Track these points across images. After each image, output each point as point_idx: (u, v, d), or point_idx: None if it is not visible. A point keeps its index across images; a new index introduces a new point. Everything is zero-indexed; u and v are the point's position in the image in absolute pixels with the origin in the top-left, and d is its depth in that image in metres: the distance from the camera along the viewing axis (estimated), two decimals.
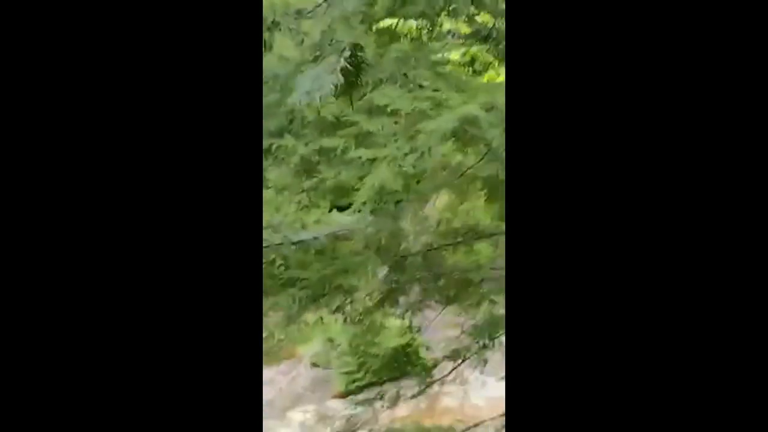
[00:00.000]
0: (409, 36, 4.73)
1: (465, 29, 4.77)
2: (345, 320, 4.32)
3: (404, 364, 4.31)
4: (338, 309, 3.86)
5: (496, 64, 4.69)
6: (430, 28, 4.72)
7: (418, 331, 4.31)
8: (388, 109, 3.11)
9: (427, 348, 4.36)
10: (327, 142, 3.22)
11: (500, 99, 2.99)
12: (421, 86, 3.44)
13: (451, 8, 4.58)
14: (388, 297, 4.24)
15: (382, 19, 5.08)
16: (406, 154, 3.03)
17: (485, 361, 3.95)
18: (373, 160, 3.08)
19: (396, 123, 3.21)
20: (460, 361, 4.13)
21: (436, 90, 3.31)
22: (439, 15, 4.62)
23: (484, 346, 3.91)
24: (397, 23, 4.89)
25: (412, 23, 4.76)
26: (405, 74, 3.62)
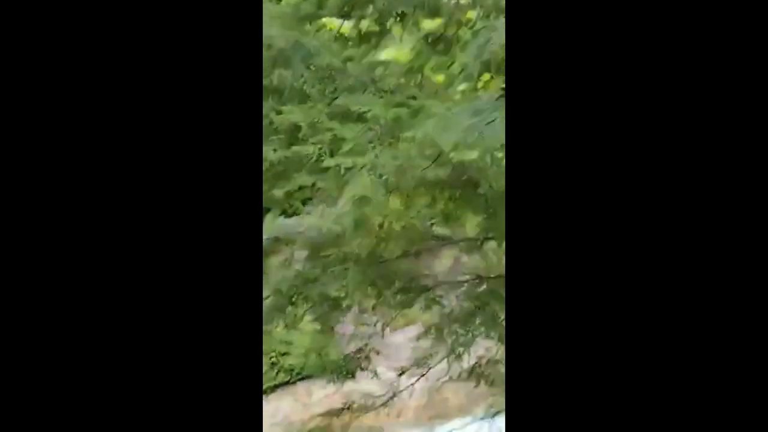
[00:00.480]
0: (357, 38, 4.69)
1: (413, 34, 4.78)
2: (286, 326, 4.25)
3: (352, 369, 4.29)
4: (299, 319, 3.79)
5: (447, 68, 4.70)
6: (379, 32, 4.70)
7: (370, 337, 4.28)
8: (368, 116, 3.06)
9: (378, 353, 4.34)
10: (301, 149, 3.15)
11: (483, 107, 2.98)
12: (391, 92, 3.42)
13: (399, 11, 4.57)
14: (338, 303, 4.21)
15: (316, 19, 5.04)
16: (385, 163, 2.99)
17: (461, 368, 3.95)
18: (349, 169, 3.03)
19: (371, 130, 3.17)
20: (426, 369, 4.13)
21: (411, 97, 3.29)
22: (388, 19, 4.61)
23: (456, 353, 3.91)
24: (341, 25, 4.85)
25: (356, 25, 4.73)
26: (374, 80, 3.59)
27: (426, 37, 4.61)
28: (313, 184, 3.14)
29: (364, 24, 4.65)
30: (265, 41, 3.64)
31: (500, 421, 4.92)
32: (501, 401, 4.69)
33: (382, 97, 3.29)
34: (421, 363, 4.18)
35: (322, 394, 7.91)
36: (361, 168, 2.98)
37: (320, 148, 3.11)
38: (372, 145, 3.09)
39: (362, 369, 4.38)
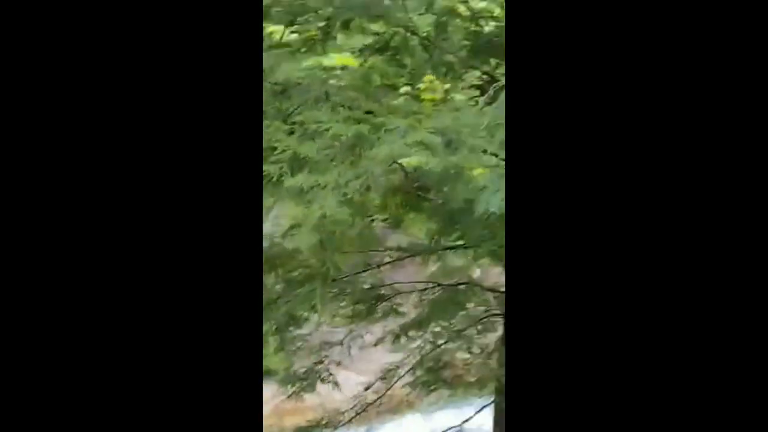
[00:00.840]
0: (304, 47, 4.60)
1: (358, 41, 4.72)
2: None
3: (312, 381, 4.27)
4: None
5: (391, 73, 4.65)
6: (323, 39, 4.62)
7: (331, 348, 4.25)
8: (328, 133, 3.01)
9: (338, 363, 4.32)
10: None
11: (446, 123, 2.95)
12: (349, 108, 3.36)
13: (345, 18, 4.51)
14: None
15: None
16: (348, 181, 2.94)
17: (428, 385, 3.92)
18: (312, 188, 2.97)
19: (332, 147, 3.11)
20: (394, 380, 4.11)
21: (368, 112, 3.24)
22: (334, 26, 4.54)
23: (424, 366, 3.89)
24: (284, 33, 4.75)
25: (302, 33, 4.64)
26: (327, 93, 3.52)
27: (373, 43, 4.57)
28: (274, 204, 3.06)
29: (308, 31, 4.58)
30: None
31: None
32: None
33: (339, 112, 3.23)
34: (388, 376, 4.16)
35: (269, 395, 7.87)
36: (324, 187, 2.92)
37: (281, 168, 3.03)
38: (333, 163, 3.04)
39: (323, 381, 4.35)
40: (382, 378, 4.22)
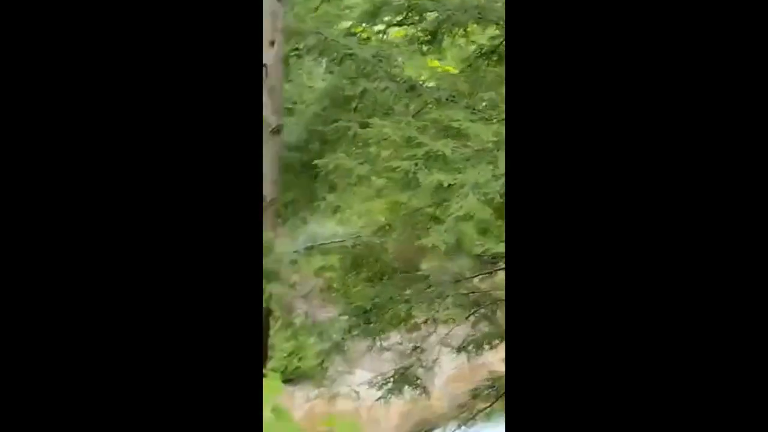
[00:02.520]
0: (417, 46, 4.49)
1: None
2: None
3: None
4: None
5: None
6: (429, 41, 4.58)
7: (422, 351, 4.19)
8: (468, 132, 2.97)
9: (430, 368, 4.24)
10: (394, 163, 3.04)
11: None
12: (483, 109, 3.32)
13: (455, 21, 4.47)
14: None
15: None
16: (488, 182, 2.90)
17: None
18: (451, 185, 2.94)
19: (467, 147, 3.08)
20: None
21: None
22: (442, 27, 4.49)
23: None
24: (382, 32, 4.71)
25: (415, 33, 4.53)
26: (453, 94, 3.49)
27: (480, 48, 4.52)
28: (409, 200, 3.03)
29: (415, 32, 4.53)
30: (340, 49, 3.54)
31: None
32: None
33: (474, 112, 3.20)
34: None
35: (303, 399, 7.87)
36: (462, 186, 2.89)
37: (415, 164, 3.00)
38: (470, 162, 3.00)
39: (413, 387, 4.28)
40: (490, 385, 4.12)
